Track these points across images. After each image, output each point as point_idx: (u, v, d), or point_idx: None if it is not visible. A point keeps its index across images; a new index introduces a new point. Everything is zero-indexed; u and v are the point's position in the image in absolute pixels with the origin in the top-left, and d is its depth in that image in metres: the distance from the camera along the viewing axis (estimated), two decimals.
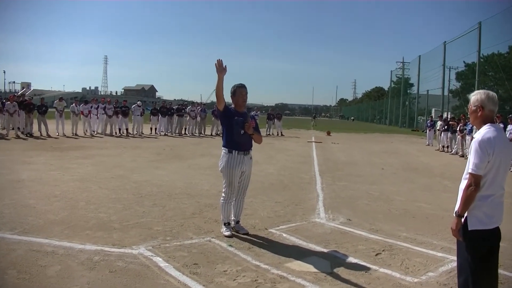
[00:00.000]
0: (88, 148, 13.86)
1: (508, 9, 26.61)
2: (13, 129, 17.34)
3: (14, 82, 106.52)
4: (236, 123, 4.80)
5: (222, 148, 4.92)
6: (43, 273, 3.69)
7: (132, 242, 4.57)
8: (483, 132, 2.77)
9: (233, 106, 4.98)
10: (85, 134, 19.17)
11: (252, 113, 24.87)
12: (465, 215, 2.77)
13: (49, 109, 19.59)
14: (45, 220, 5.26)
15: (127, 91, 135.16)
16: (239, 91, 4.89)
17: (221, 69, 4.61)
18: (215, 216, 5.62)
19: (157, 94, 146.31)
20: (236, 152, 4.82)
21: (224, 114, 4.87)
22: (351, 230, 5.37)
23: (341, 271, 4.01)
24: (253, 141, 5.01)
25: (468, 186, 2.72)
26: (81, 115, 19.66)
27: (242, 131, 4.81)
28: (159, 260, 4.06)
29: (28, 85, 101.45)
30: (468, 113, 3.00)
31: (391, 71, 65.28)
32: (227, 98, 4.94)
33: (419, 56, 48.32)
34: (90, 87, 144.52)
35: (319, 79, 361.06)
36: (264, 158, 12.87)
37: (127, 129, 20.70)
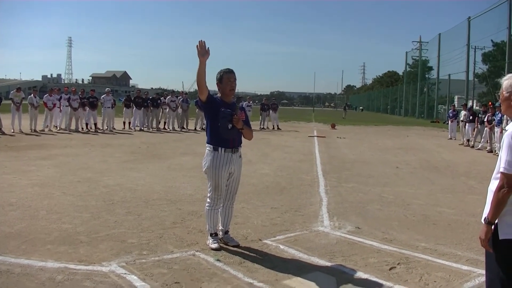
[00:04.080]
0: (50, 147, 13.79)
1: None
2: None
3: None
4: (223, 116, 4.77)
5: (206, 145, 4.91)
6: None
7: (102, 257, 4.53)
8: None
9: (219, 95, 4.96)
10: (49, 130, 19.07)
11: (244, 103, 24.87)
12: (496, 221, 2.76)
13: (4, 101, 19.45)
14: None
15: (96, 79, 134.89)
16: (227, 77, 4.87)
17: (203, 52, 4.60)
18: (200, 226, 5.60)
19: (131, 82, 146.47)
20: (223, 149, 4.80)
21: (208, 105, 4.84)
22: (360, 240, 5.37)
23: None
24: (242, 137, 4.99)
25: (499, 188, 2.70)
26: (45, 108, 19.56)
27: (230, 125, 4.78)
28: (134, 279, 4.02)
29: None
30: (499, 101, 2.98)
31: (406, 53, 65.64)
32: (212, 86, 4.91)
33: (439, 34, 48.66)
34: (51, 75, 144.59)
35: (321, 63, 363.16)
36: (258, 156, 12.87)
37: (95, 124, 20.61)
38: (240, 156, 4.99)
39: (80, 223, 5.72)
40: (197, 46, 4.61)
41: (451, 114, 23.15)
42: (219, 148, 4.80)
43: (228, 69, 4.94)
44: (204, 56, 4.61)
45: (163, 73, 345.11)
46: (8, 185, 7.82)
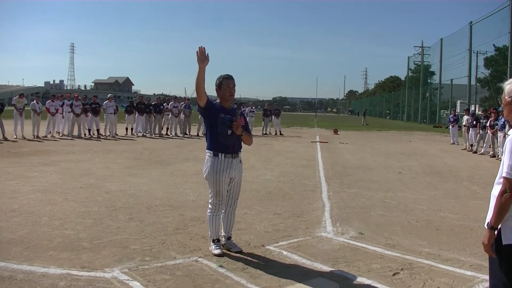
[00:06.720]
0: (53, 153, 13.81)
1: None
2: None
3: None
4: (222, 122, 4.78)
5: (207, 151, 4.92)
6: None
7: (105, 263, 4.53)
8: None
9: (218, 101, 4.97)
10: (52, 136, 19.09)
11: (246, 109, 24.80)
12: (499, 227, 2.75)
13: (6, 108, 19.49)
14: (0, 239, 5.21)
15: (98, 85, 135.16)
16: (226, 83, 4.88)
17: (202, 58, 4.61)
18: (203, 232, 5.59)
19: (134, 88, 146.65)
20: (223, 155, 4.81)
21: (207, 111, 4.85)
22: (363, 246, 5.36)
23: None
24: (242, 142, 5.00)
25: (502, 193, 2.70)
26: (48, 114, 19.59)
27: (229, 131, 4.79)
28: (136, 285, 4.02)
29: None
30: (502, 105, 2.98)
31: (408, 58, 65.74)
32: (211, 92, 4.92)
33: (441, 39, 48.73)
34: (54, 81, 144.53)
35: (324, 69, 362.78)
36: (261, 161, 12.87)
37: (98, 130, 20.63)
38: (240, 161, 5.00)
39: (83, 229, 5.72)
40: (197, 52, 4.62)
41: (452, 119, 23.13)
42: (219, 154, 4.81)
43: (228, 75, 4.94)
44: (204, 63, 4.62)
45: (166, 79, 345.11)
46: (10, 191, 7.82)
